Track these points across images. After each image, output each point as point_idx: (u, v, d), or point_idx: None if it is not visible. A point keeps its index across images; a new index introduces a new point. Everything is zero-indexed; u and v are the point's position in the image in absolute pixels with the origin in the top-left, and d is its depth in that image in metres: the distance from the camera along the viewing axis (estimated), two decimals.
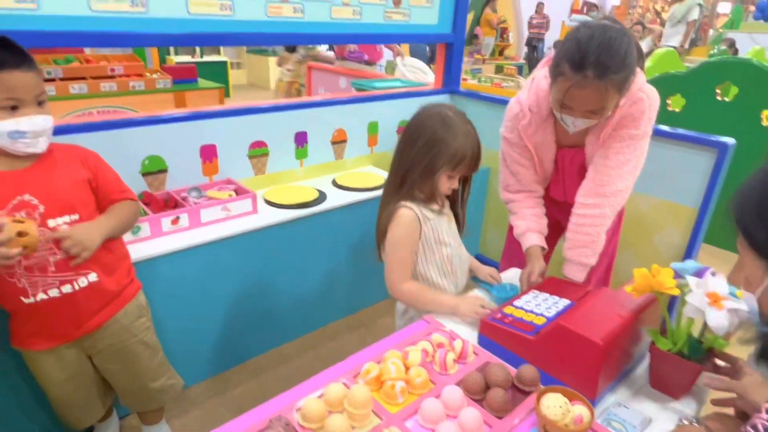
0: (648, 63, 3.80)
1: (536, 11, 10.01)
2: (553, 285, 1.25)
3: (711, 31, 9.13)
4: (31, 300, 1.13)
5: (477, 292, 1.35)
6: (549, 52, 10.07)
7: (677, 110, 3.04)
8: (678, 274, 0.98)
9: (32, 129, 1.04)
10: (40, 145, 1.08)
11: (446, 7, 2.41)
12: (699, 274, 0.97)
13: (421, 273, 1.27)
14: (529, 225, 1.43)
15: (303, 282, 2.02)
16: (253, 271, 1.82)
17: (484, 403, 0.87)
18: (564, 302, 1.14)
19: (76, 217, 1.15)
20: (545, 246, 1.43)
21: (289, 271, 1.94)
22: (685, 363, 0.95)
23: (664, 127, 1.83)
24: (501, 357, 1.04)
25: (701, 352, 0.96)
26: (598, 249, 1.34)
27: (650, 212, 1.94)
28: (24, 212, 1.07)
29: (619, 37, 1.11)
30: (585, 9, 11.73)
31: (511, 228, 1.51)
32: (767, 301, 0.59)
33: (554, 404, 0.78)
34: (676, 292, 0.93)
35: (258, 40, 1.90)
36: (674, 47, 5.65)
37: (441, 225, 1.25)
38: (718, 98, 2.92)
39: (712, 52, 5.36)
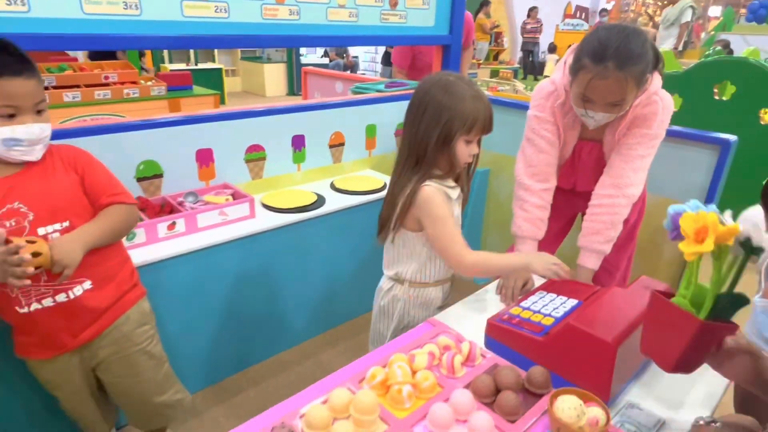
0: None
1: (530, 16, 10.06)
2: (559, 285, 1.22)
3: (703, 34, 9.19)
4: (26, 310, 1.09)
5: None
6: (544, 56, 10.12)
7: (675, 110, 3.03)
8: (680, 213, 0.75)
9: (28, 137, 1.01)
10: (36, 154, 1.05)
11: (443, 9, 2.40)
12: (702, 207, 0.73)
13: (428, 251, 1.22)
14: (535, 234, 1.44)
15: (302, 287, 1.99)
16: (251, 277, 1.79)
17: (495, 407, 0.84)
18: (572, 302, 1.12)
19: (67, 224, 1.10)
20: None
21: (288, 276, 1.91)
22: (685, 316, 0.72)
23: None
24: (509, 359, 1.02)
25: (738, 307, 0.72)
26: (611, 237, 1.38)
27: (654, 210, 1.91)
28: (14, 221, 1.03)
29: (636, 33, 1.18)
30: (578, 13, 11.81)
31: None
32: None
33: (568, 406, 0.75)
34: (736, 229, 0.66)
35: (253, 43, 1.88)
36: (669, 49, 5.68)
37: (457, 210, 1.23)
38: (716, 97, 2.92)
39: (707, 52, 5.38)
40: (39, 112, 1.04)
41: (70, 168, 1.15)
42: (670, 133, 1.80)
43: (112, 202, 1.19)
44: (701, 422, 0.83)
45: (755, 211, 0.69)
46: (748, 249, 0.67)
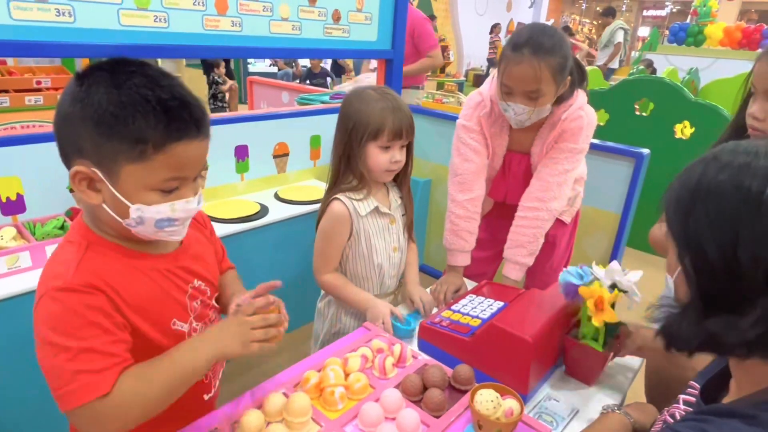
0: None
1: (493, 32, 10.46)
2: (488, 289, 1.30)
3: (633, 53, 9.87)
4: (211, 394, 0.94)
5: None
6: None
7: (601, 124, 3.26)
8: (571, 283, 1.07)
9: (186, 215, 0.75)
10: (183, 232, 0.79)
11: (385, 24, 2.47)
12: (585, 273, 1.08)
13: (349, 269, 1.30)
14: (463, 246, 1.51)
15: None
16: None
17: (422, 404, 0.89)
18: (498, 304, 1.20)
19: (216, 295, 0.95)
20: (467, 262, 1.52)
21: None
22: (594, 351, 1.04)
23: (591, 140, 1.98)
24: (440, 359, 1.07)
25: (617, 329, 1.06)
26: (534, 250, 1.45)
27: (580, 218, 2.07)
28: (199, 301, 0.86)
29: (553, 29, 1.27)
30: None
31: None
32: (680, 284, 0.65)
33: (486, 399, 0.81)
34: (617, 295, 1.02)
35: (194, 53, 1.87)
36: (599, 66, 6.08)
37: (374, 226, 1.26)
38: (637, 113, 3.17)
39: (631, 71, 5.81)
40: (195, 178, 0.77)
41: (204, 229, 0.97)
42: (591, 146, 1.96)
43: (230, 267, 1.06)
44: (608, 410, 0.92)
45: (615, 264, 1.04)
46: (617, 289, 1.02)
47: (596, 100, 3.29)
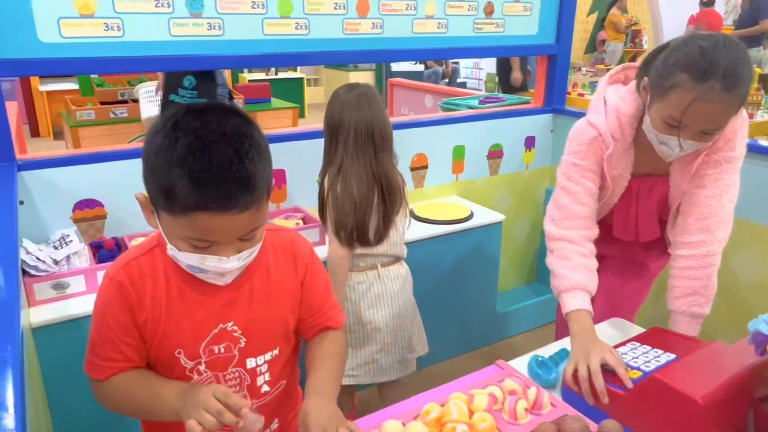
0: None
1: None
2: (656, 336, 1.28)
3: None
4: None
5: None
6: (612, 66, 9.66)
7: None
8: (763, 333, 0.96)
9: (217, 271, 0.89)
10: (225, 280, 0.93)
11: (548, 15, 2.53)
12: None
13: None
14: (582, 280, 1.35)
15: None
16: None
17: None
18: (668, 356, 1.17)
19: (276, 352, 1.05)
20: (592, 311, 1.35)
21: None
22: None
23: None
24: (585, 413, 1.10)
25: None
26: (711, 295, 1.35)
27: (739, 235, 1.91)
28: (223, 346, 0.98)
29: (742, 47, 1.18)
30: None
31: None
32: None
33: None
34: None
35: (335, 59, 2.15)
36: None
37: None
38: None
39: None
40: (245, 240, 0.89)
41: (293, 270, 1.07)
42: (756, 149, 1.83)
43: (330, 327, 1.12)
44: None
45: None
46: None
47: None
